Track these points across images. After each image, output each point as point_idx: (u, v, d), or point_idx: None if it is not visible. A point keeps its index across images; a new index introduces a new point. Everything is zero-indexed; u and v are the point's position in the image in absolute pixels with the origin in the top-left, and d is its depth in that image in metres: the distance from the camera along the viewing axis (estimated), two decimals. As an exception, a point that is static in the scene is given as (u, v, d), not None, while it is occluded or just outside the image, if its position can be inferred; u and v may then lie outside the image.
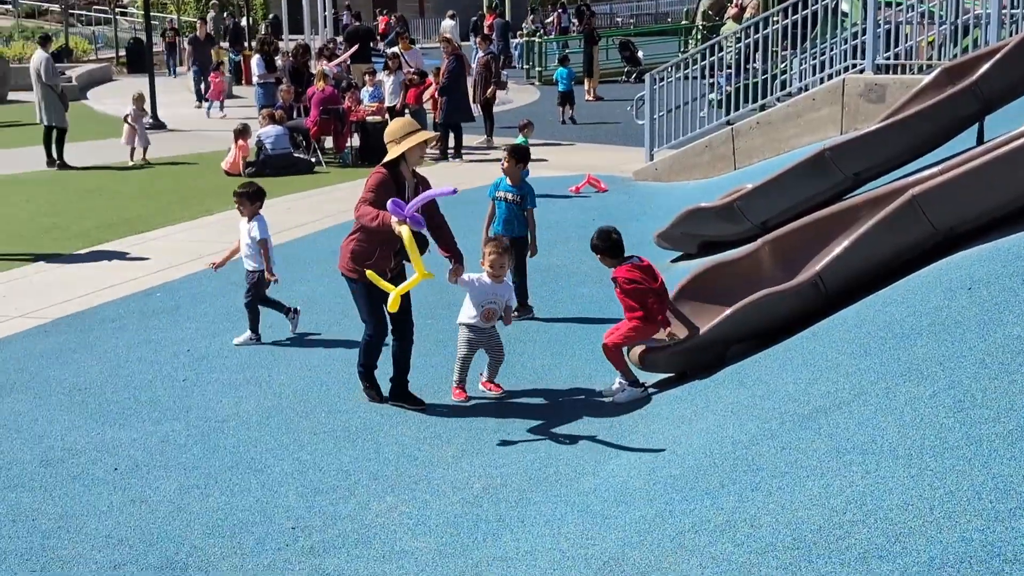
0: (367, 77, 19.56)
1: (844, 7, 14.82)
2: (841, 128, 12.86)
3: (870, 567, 3.85)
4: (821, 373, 5.91)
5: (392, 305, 6.24)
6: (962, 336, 5.39)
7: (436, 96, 17.91)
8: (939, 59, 12.70)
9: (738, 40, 15.44)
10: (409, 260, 6.39)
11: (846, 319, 6.50)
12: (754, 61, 14.86)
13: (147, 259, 11.18)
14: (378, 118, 18.12)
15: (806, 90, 14.15)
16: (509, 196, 8.64)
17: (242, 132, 16.75)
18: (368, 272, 6.41)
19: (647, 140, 15.69)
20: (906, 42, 13.29)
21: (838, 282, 6.90)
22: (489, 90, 18.89)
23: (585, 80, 26.68)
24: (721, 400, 6.33)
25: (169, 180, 16.44)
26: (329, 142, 18.40)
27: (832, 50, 14.26)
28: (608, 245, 7.12)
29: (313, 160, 17.64)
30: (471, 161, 17.36)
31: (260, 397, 7.18)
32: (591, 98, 25.93)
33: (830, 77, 13.87)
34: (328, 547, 5.17)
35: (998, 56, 8.21)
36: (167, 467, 6.09)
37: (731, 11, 21.63)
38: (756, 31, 14.67)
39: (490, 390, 7.21)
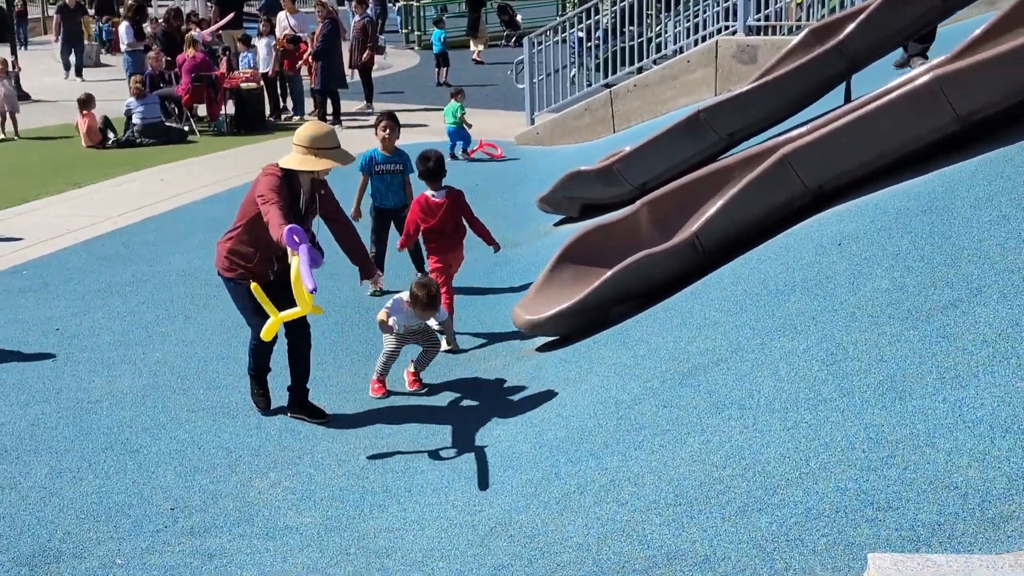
0: (239, 43, 19.10)
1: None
2: (715, 89, 13.04)
3: (750, 520, 3.92)
4: (699, 331, 5.99)
5: (266, 334, 5.53)
6: (833, 291, 5.51)
7: (310, 61, 17.56)
8: (808, 20, 12.96)
9: (614, 3, 15.49)
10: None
11: (722, 277, 6.60)
12: (630, 24, 14.94)
13: (13, 235, 10.75)
14: (253, 85, 17.72)
15: (681, 52, 14.30)
16: (390, 167, 8.51)
17: (85, 102, 16.18)
18: (252, 285, 5.61)
19: (528, 104, 15.69)
20: (776, 4, 13.51)
21: (714, 241, 6.99)
22: (365, 55, 18.62)
23: (471, 42, 26.61)
24: (604, 361, 6.37)
25: (35, 153, 15.84)
26: (203, 110, 17.95)
27: (705, 12, 14.42)
28: (422, 171, 7.59)
29: (186, 129, 17.19)
30: (350, 127, 17.11)
31: (135, 375, 6.98)
32: (477, 59, 25.88)
33: (704, 39, 14.04)
34: (209, 527, 5.06)
35: (862, 16, 8.38)
36: (37, 451, 5.87)
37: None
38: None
39: (413, 386, 6.69)
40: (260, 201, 5.70)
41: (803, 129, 7.56)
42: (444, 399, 6.49)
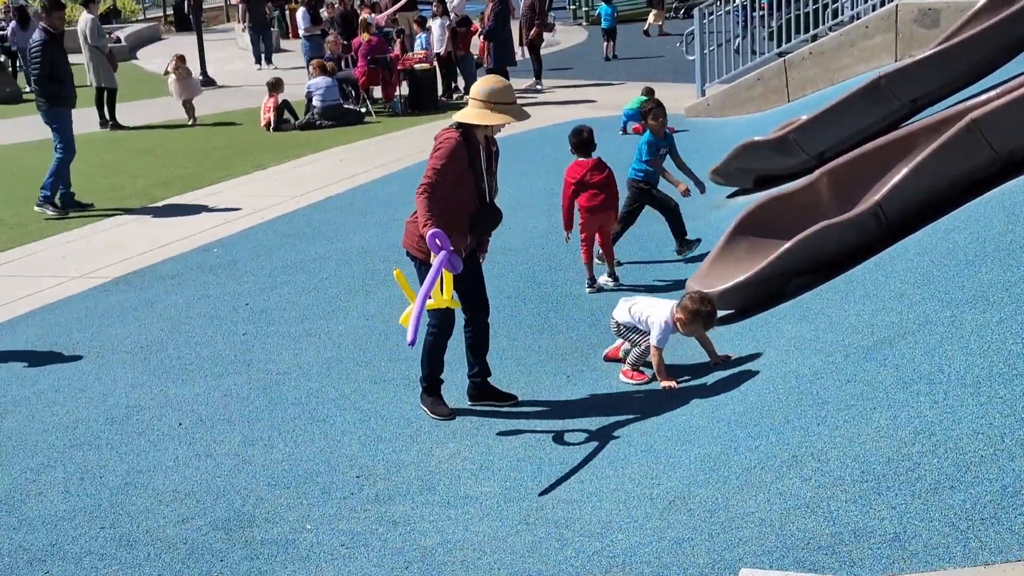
0: (415, 25, 19.44)
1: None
2: (895, 55, 12.55)
3: (941, 498, 3.79)
4: (884, 304, 5.81)
5: (405, 320, 5.56)
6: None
7: (482, 41, 17.73)
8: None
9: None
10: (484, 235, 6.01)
11: (908, 248, 6.37)
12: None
13: (203, 215, 11.26)
14: (426, 65, 18.02)
15: (858, 18, 13.82)
16: (663, 151, 8.67)
17: (275, 85, 16.75)
18: (396, 272, 5.73)
19: (698, 75, 15.46)
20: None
21: (898, 211, 6.76)
22: (533, 31, 18.68)
23: (651, 14, 26.53)
24: (783, 335, 6.25)
25: (221, 137, 16.53)
26: (378, 92, 18.36)
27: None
28: (575, 142, 8.10)
29: (363, 111, 17.63)
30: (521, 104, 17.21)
31: (319, 348, 7.23)
32: (661, 33, 25.81)
33: (882, 3, 13.53)
34: (393, 494, 5.20)
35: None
36: (230, 420, 6.16)
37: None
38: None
39: (636, 378, 6.37)
40: (424, 179, 5.62)
41: (993, 93, 7.21)
42: (616, 374, 6.49)
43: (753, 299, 6.94)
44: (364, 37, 17.82)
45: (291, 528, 4.94)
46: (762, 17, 16.54)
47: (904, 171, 6.75)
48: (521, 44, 18.94)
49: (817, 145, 9.20)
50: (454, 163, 5.67)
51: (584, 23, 29.84)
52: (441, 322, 6.02)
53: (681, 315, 6.16)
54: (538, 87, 18.71)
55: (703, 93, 15.28)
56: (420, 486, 5.27)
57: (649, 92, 13.98)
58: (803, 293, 6.77)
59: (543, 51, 19.67)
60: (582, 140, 8.07)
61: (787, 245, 6.85)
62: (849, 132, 8.96)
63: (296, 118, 16.90)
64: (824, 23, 14.42)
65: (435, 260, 5.41)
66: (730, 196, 10.17)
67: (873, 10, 13.54)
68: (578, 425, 5.82)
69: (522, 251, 8.98)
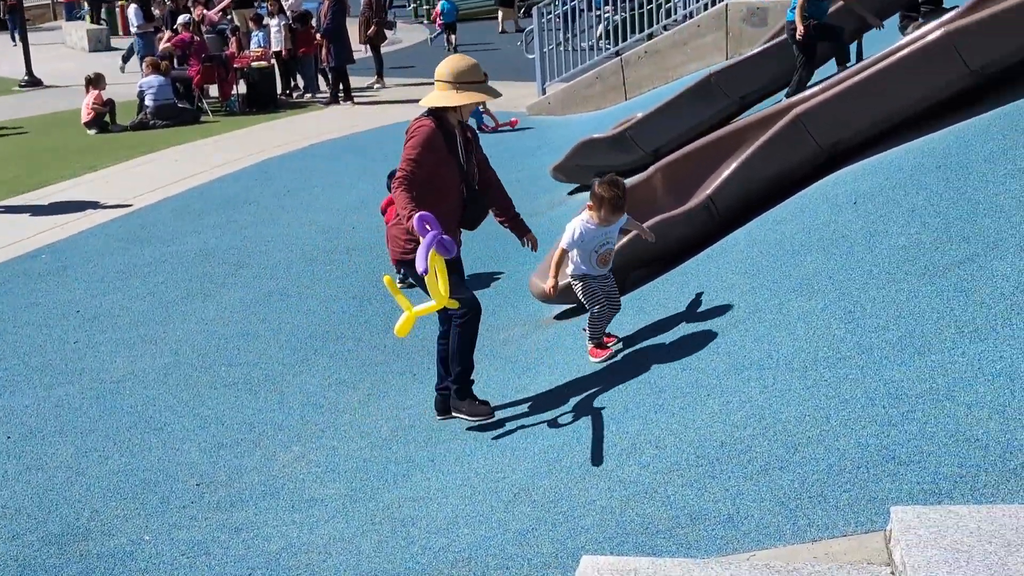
0: (251, 22, 19.08)
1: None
2: (726, 53, 12.96)
3: (771, 479, 3.93)
4: (718, 294, 5.99)
5: (400, 330, 5.15)
6: (849, 249, 5.50)
7: (319, 38, 17.49)
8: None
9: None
10: (471, 228, 5.66)
11: (739, 240, 6.59)
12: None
13: (30, 220, 10.81)
14: (264, 63, 17.71)
15: (691, 17, 14.21)
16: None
17: (94, 81, 16.16)
18: (385, 278, 5.25)
19: (538, 74, 15.63)
20: (786, -36, 13.38)
21: (729, 204, 6.98)
22: (371, 29, 18.55)
23: (500, 10, 26.65)
24: (622, 327, 6.38)
25: (50, 138, 15.90)
26: (214, 90, 17.96)
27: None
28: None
29: (198, 109, 17.22)
30: (361, 103, 17.10)
31: (155, 355, 7.03)
32: (517, 29, 25.98)
33: (713, 3, 13.94)
34: (235, 501, 5.11)
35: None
36: (63, 432, 5.94)
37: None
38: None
39: (610, 342, 6.09)
40: (400, 171, 5.26)
41: (816, 89, 7.52)
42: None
43: (593, 293, 7.05)
44: (186, 35, 17.46)
45: (128, 540, 4.80)
46: (599, 16, 16.83)
47: (733, 165, 6.98)
48: (361, 42, 18.79)
49: (652, 141, 9.41)
50: (429, 152, 5.32)
51: (426, 21, 29.82)
52: (467, 313, 5.49)
53: (591, 204, 5.86)
54: (379, 85, 18.61)
55: (544, 91, 15.45)
56: (263, 491, 5.19)
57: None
58: (642, 286, 6.93)
59: (384, 49, 19.57)
60: None
61: (624, 239, 6.99)
62: (682, 129, 9.20)
63: (114, 122, 16.33)
64: (658, 22, 14.78)
65: (423, 242, 4.98)
66: (570, 193, 10.32)
67: (705, 9, 13.95)
68: (424, 423, 5.82)
69: (366, 250, 8.93)
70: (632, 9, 15.15)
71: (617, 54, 14.77)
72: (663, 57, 13.78)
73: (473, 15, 28.70)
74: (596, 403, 5.36)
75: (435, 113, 5.45)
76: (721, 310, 5.72)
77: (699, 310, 5.91)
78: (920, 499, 3.46)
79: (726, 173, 6.99)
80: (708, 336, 5.46)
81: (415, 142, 5.33)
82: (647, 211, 7.35)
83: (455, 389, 5.71)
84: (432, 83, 5.60)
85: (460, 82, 5.43)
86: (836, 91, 6.76)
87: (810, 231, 6.00)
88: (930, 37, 6.46)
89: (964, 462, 3.54)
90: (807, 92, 7.72)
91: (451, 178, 5.48)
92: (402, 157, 5.35)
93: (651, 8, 14.68)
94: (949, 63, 6.36)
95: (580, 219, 5.92)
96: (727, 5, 13.15)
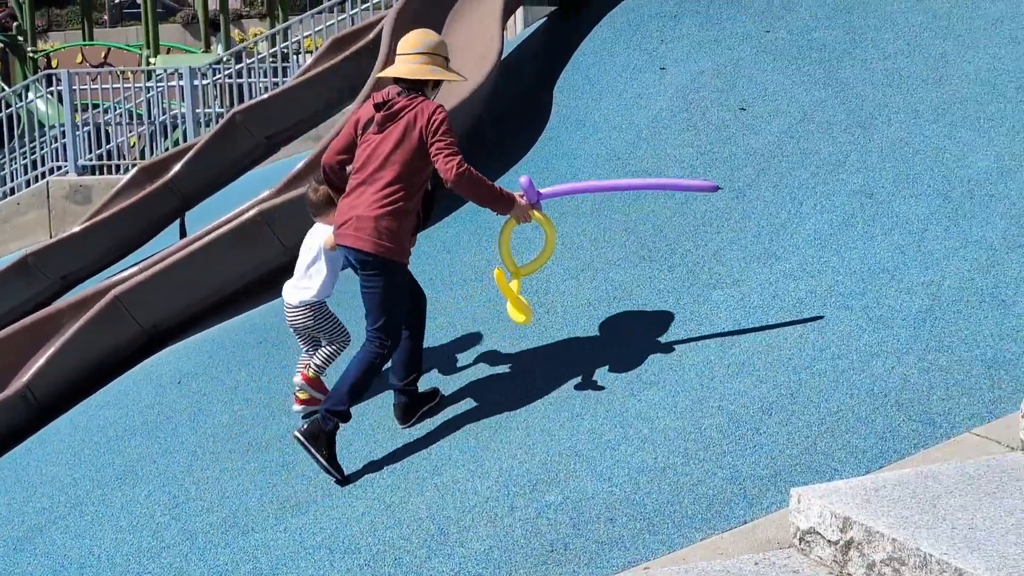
0: None
1: (42, 108, 14.52)
2: (50, 231, 12.48)
3: None
4: (36, 488, 5.52)
5: (523, 316, 4.43)
6: (175, 430, 5.40)
7: None
8: (147, 158, 12.93)
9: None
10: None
11: (60, 428, 6.19)
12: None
13: None
14: None
15: (12, 194, 13.54)
16: None
17: None
18: (496, 273, 4.46)
19: None
20: (109, 143, 13.33)
21: (50, 390, 6.57)
22: None
23: None
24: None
25: None
26: None
27: (34, 153, 13.81)
28: None
29: None
30: None
31: None
32: None
33: (36, 180, 13.43)
34: None
35: (189, 155, 8.54)
36: None
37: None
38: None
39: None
40: (452, 160, 4.32)
41: (135, 268, 7.42)
42: None
43: None
44: None
45: None
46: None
47: (52, 349, 6.61)
48: None
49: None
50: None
51: None
52: (392, 345, 4.58)
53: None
54: None
55: None
56: None
57: None
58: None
59: None
60: None
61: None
62: (2, 312, 8.57)
63: None
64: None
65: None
66: None
67: (27, 186, 13.36)
68: None
69: None
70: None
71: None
72: (-21, 236, 12.90)
73: None
74: None
75: (424, 93, 4.55)
76: (40, 506, 5.24)
77: (16, 509, 5.38)
78: None
79: (44, 358, 6.58)
80: (26, 537, 4.98)
81: (449, 124, 4.42)
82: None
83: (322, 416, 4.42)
84: None
85: (446, 56, 4.64)
86: (154, 271, 6.73)
87: (133, 414, 5.80)
88: (246, 216, 6.70)
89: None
90: (128, 271, 7.60)
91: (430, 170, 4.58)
92: (442, 144, 4.37)
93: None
94: (264, 240, 6.64)
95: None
96: (48, 182, 12.75)
